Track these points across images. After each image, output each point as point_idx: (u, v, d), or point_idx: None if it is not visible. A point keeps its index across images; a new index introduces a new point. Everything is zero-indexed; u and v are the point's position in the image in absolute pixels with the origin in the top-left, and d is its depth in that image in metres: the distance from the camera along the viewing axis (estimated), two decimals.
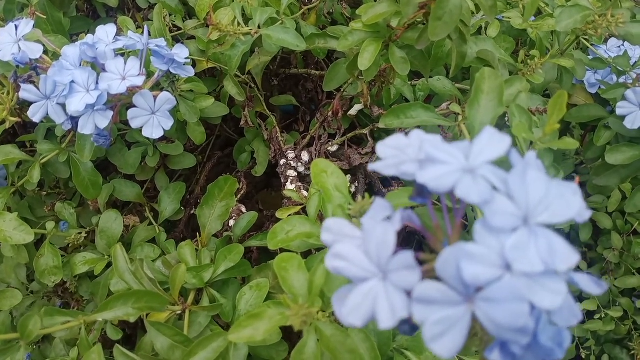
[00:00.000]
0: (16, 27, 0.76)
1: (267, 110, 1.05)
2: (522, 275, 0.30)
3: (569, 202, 0.32)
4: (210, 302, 0.79)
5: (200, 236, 0.86)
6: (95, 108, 0.71)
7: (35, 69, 0.76)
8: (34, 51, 0.74)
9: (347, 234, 0.36)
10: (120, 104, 0.74)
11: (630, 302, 1.38)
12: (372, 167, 0.37)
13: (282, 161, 1.02)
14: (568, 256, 0.30)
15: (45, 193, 1.00)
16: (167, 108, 0.74)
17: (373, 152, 0.96)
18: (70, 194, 1.02)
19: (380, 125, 0.77)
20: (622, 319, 1.38)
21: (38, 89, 0.74)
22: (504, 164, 0.34)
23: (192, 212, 1.11)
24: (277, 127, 1.05)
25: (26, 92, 0.74)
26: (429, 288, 0.31)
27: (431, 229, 0.37)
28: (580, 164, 1.26)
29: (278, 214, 0.89)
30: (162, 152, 0.98)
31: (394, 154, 0.37)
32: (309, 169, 1.02)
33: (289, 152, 1.02)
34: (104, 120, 0.71)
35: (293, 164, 1.01)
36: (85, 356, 0.57)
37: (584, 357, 1.37)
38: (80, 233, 0.93)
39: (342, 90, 0.93)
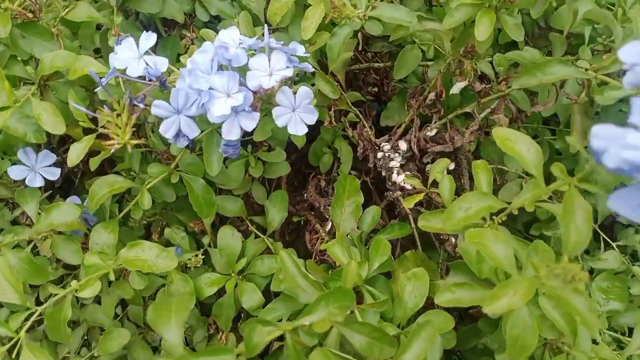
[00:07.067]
0: (137, 43, 0.72)
1: (352, 107, 1.03)
2: None
3: None
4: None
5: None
6: (239, 110, 0.68)
7: (164, 83, 0.72)
8: (161, 64, 0.71)
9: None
10: (260, 104, 0.71)
11: None
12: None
13: (379, 154, 1.00)
14: None
15: (145, 222, 0.95)
16: (307, 102, 0.71)
17: (479, 128, 0.95)
18: (169, 219, 0.97)
19: (515, 85, 0.78)
20: None
21: (169, 104, 0.71)
22: None
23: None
24: (363, 121, 1.03)
25: (157, 107, 0.70)
26: None
27: None
28: None
29: (405, 204, 0.87)
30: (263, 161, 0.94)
31: None
32: (406, 158, 1.01)
33: (383, 144, 1.00)
34: (251, 122, 0.68)
35: (392, 155, 0.99)
36: None
37: None
38: (196, 255, 0.89)
39: (441, 72, 0.92)
